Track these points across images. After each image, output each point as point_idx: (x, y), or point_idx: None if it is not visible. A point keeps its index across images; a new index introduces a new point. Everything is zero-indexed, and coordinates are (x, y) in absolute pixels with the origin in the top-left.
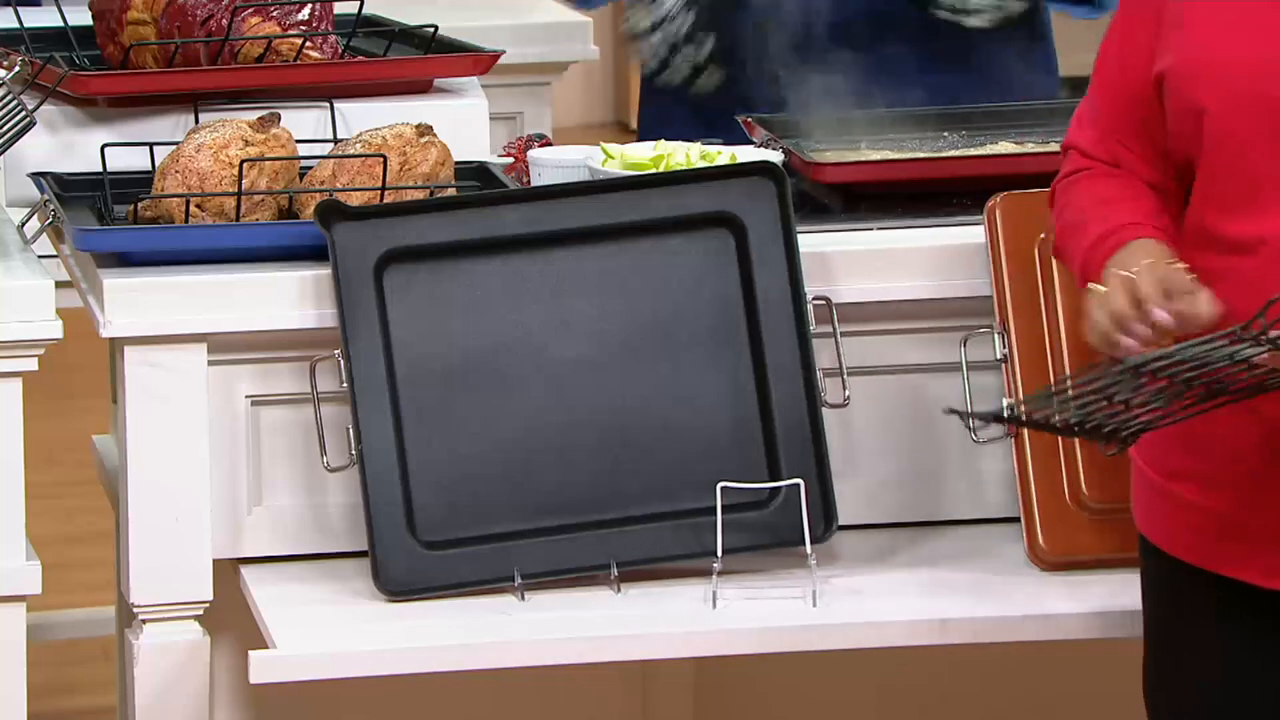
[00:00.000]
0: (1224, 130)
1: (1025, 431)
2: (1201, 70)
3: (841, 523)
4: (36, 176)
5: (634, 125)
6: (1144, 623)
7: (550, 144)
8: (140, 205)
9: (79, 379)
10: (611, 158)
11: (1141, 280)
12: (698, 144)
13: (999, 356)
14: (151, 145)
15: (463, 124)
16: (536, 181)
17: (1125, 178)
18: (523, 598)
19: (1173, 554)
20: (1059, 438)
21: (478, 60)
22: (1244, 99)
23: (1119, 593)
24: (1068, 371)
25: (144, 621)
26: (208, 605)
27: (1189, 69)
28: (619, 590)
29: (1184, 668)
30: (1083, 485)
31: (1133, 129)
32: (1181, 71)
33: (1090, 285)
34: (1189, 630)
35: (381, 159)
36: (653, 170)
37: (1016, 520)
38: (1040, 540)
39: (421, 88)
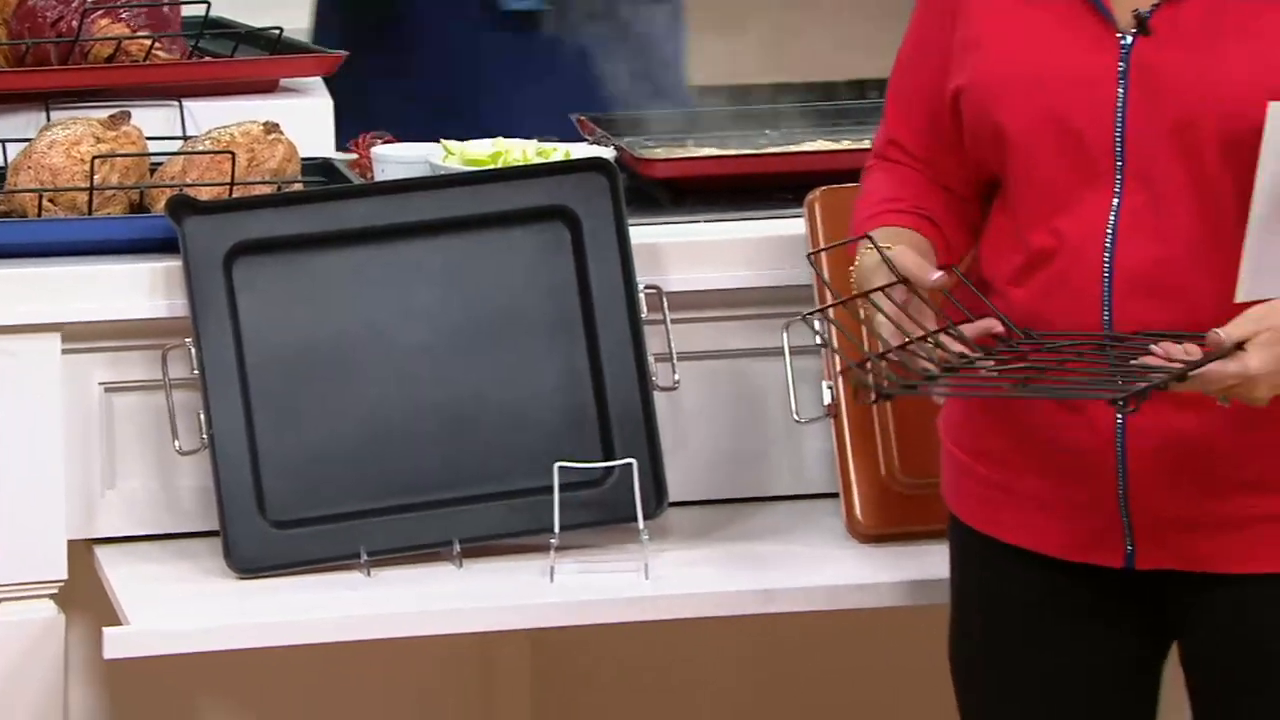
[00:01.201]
0: (1019, 145)
1: (844, 412)
2: (996, 88)
3: (672, 499)
4: None
5: None
6: (951, 591)
7: (392, 141)
8: None
9: None
10: (451, 154)
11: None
12: (534, 141)
13: (819, 342)
14: (4, 142)
15: (308, 122)
16: (379, 177)
17: (898, 169)
18: (368, 574)
19: (977, 528)
20: (875, 418)
21: (321, 61)
22: (1034, 116)
23: (930, 563)
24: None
25: (0, 600)
26: (62, 584)
27: (984, 87)
28: (461, 566)
29: (987, 634)
30: (897, 463)
31: (928, 139)
32: (978, 89)
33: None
34: (991, 599)
35: (230, 155)
36: (491, 166)
37: (836, 496)
38: (858, 514)
39: (268, 87)
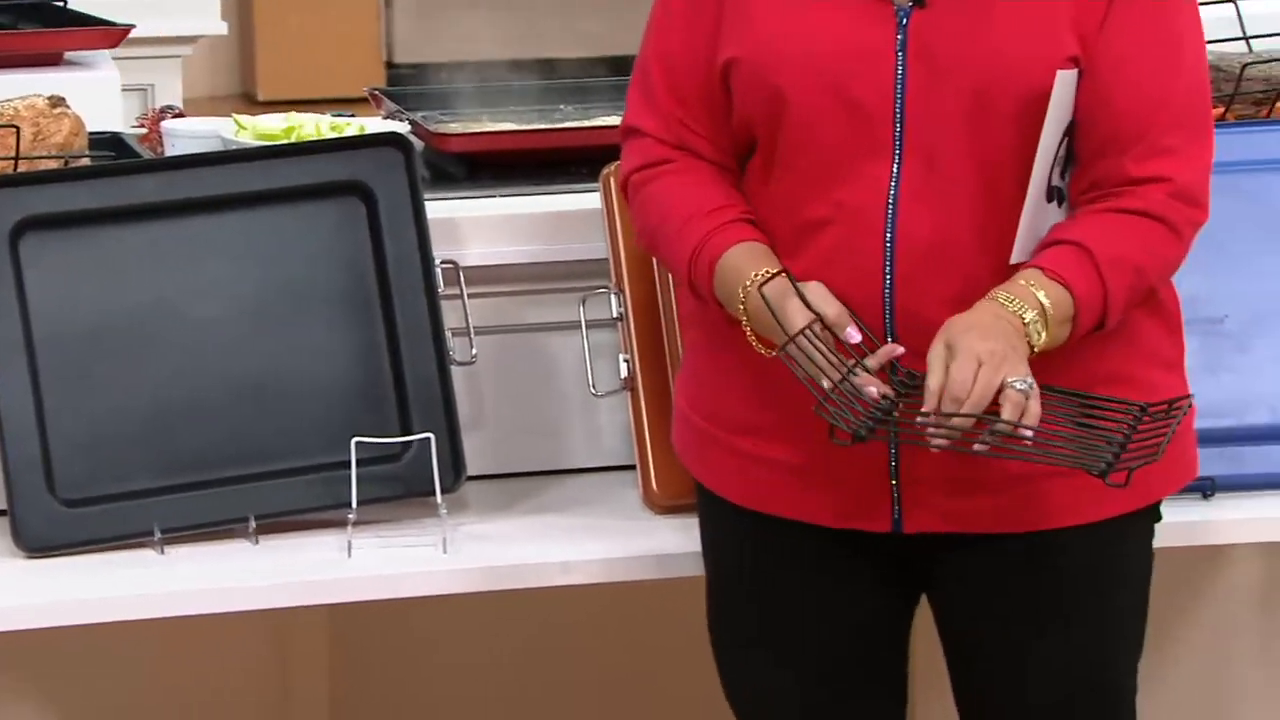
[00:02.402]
0: (799, 117)
1: (640, 385)
2: (774, 61)
3: (470, 473)
4: None
5: (261, 97)
6: (706, 561)
7: (183, 115)
8: None
9: None
10: (243, 128)
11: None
12: (328, 115)
13: (615, 315)
14: None
15: (95, 95)
16: (170, 152)
17: (692, 171)
18: (162, 552)
19: (734, 500)
20: (671, 390)
21: (108, 33)
22: (814, 88)
23: None
24: (678, 329)
25: None
26: None
27: (761, 60)
28: (256, 543)
29: (755, 607)
30: None
31: (700, 113)
32: (754, 62)
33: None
34: (751, 566)
35: (14, 129)
36: (284, 141)
37: (632, 468)
38: (654, 486)
39: (53, 60)
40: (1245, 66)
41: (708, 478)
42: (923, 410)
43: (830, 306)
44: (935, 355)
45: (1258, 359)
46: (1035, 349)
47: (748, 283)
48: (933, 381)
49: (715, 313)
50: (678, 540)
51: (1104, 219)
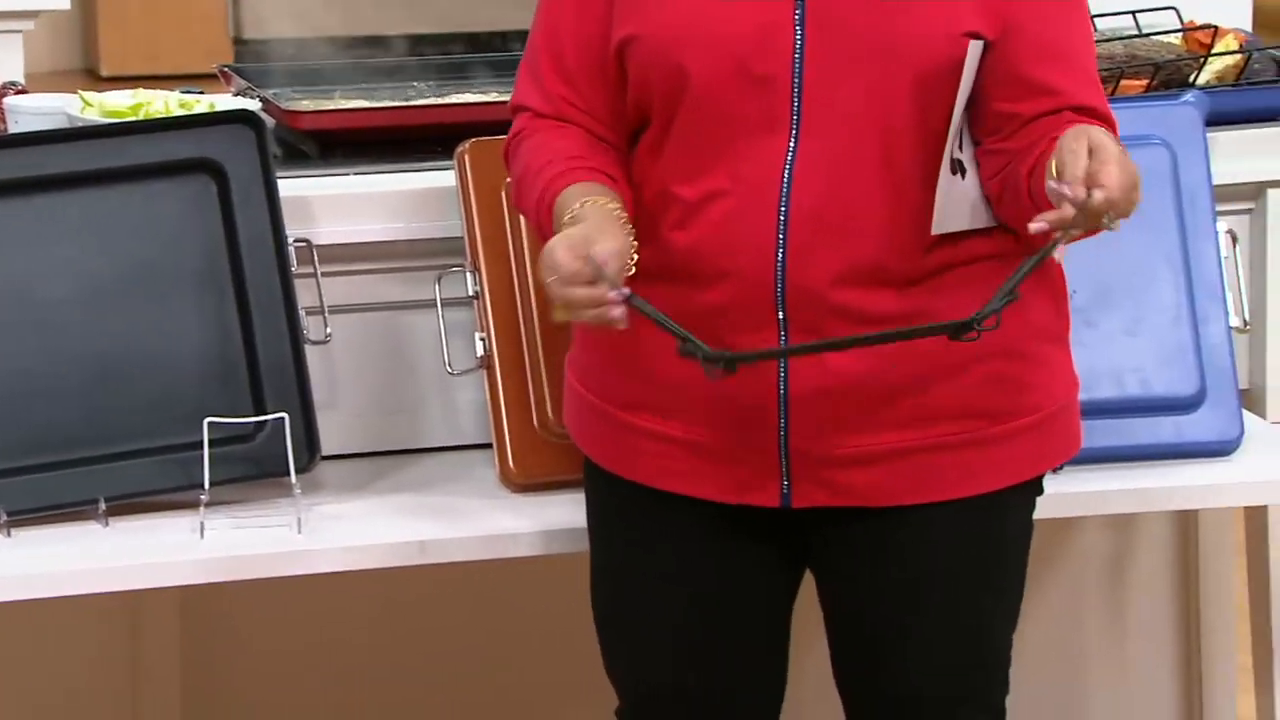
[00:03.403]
0: (699, 92)
1: (496, 363)
2: (674, 37)
3: (325, 453)
4: None
5: (104, 73)
6: (591, 536)
7: (25, 92)
8: None
9: None
10: (90, 105)
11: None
12: (177, 92)
13: (471, 293)
14: None
15: None
16: (14, 129)
17: (568, 129)
18: (9, 534)
19: (622, 475)
20: (527, 369)
21: None
22: (715, 63)
23: (583, 511)
24: (535, 306)
25: None
26: None
27: (662, 36)
28: (107, 524)
29: (644, 584)
30: (549, 412)
31: (587, 92)
32: (654, 38)
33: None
34: (650, 551)
35: None
36: (132, 118)
37: (489, 446)
38: (511, 464)
39: None
40: None
41: (598, 454)
42: (1062, 189)
43: (604, 246)
44: (1078, 150)
45: (1105, 333)
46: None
47: (568, 215)
48: (1078, 169)
49: None
50: (534, 519)
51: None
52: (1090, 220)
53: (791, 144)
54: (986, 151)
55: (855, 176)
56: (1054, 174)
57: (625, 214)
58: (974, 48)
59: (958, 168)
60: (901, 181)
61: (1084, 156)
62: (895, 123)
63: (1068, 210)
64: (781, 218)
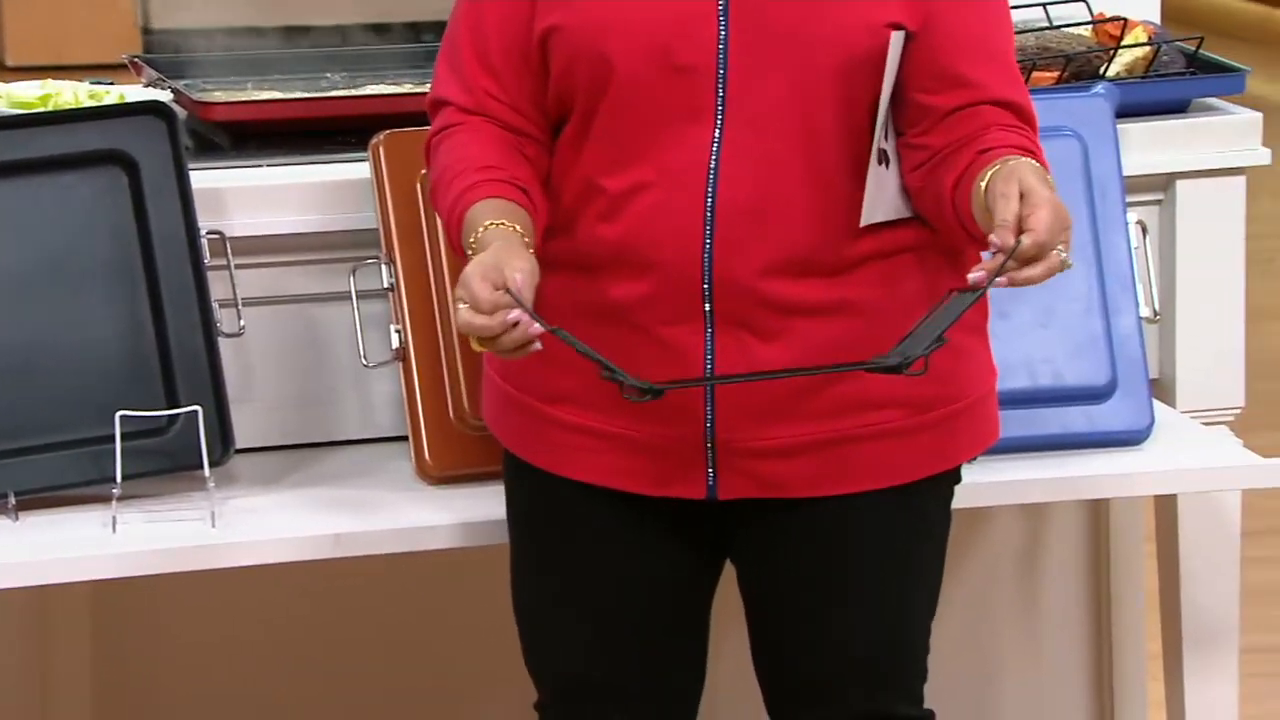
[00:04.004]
0: (624, 83)
1: (412, 355)
2: (599, 27)
3: (239, 446)
4: None
5: (9, 63)
6: (511, 528)
7: None
8: None
9: None
10: None
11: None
12: (86, 83)
13: (386, 285)
14: None
15: None
16: None
17: (487, 129)
18: None
19: (545, 468)
20: (443, 362)
21: None
22: (640, 54)
23: (499, 504)
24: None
25: None
26: None
27: (586, 26)
28: (17, 519)
29: (564, 575)
30: (466, 405)
31: (510, 84)
32: (579, 28)
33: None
34: (571, 544)
35: None
36: (41, 109)
37: (405, 439)
38: (427, 457)
39: None
40: None
41: (518, 446)
42: (991, 239)
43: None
44: (1009, 194)
45: (1017, 324)
46: None
47: (473, 237)
48: (1008, 214)
49: None
50: (451, 511)
51: (1000, 129)
52: (1021, 263)
53: (717, 135)
54: (907, 144)
55: (781, 167)
56: (981, 202)
57: (530, 238)
58: (895, 39)
59: (883, 158)
60: (827, 172)
61: (1015, 201)
62: (818, 113)
63: (999, 260)
64: (708, 209)
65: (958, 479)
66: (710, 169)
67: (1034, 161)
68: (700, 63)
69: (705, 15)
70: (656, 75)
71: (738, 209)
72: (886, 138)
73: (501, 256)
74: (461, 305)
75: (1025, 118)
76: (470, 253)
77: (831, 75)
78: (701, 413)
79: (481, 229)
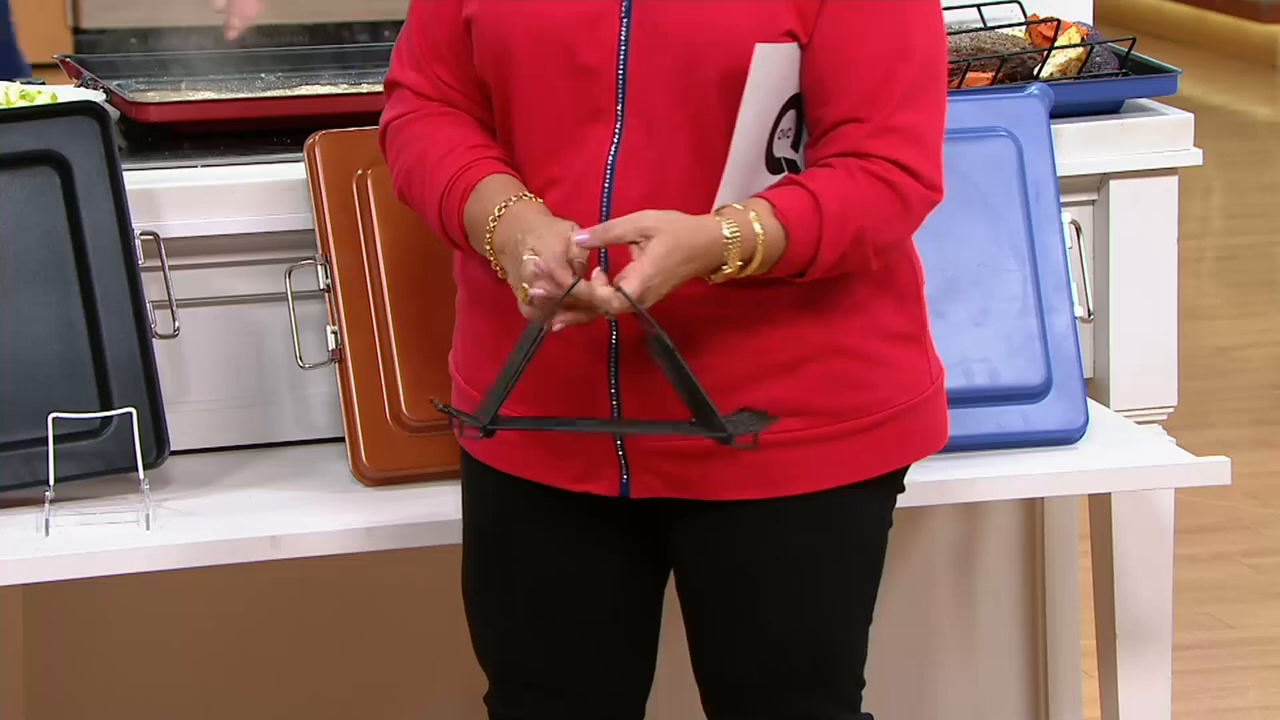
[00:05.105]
0: (527, 81)
1: (348, 356)
2: (504, 22)
3: (174, 448)
4: None
5: None
6: (464, 529)
7: None
8: None
9: None
10: None
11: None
12: (17, 83)
13: (322, 286)
14: None
15: None
16: None
17: (454, 115)
18: None
19: (485, 461)
20: (380, 362)
21: None
22: (541, 52)
23: (437, 504)
24: (387, 299)
25: None
26: None
27: (493, 20)
28: None
29: (499, 566)
30: (403, 405)
31: (456, 70)
32: (490, 17)
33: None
34: (502, 532)
35: None
36: None
37: (342, 440)
38: (364, 458)
39: None
40: None
41: (466, 441)
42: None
43: (550, 247)
44: (624, 233)
45: (952, 325)
46: (722, 271)
47: (495, 213)
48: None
49: (473, 269)
50: (388, 512)
51: (844, 177)
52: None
53: (616, 136)
54: (810, 155)
55: (672, 170)
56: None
57: (542, 200)
58: (763, 50)
59: (782, 166)
60: (717, 175)
61: (627, 239)
62: (707, 118)
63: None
64: (603, 207)
65: (900, 487)
66: (608, 169)
67: (727, 222)
68: (601, 64)
69: (607, 16)
70: (559, 74)
71: (630, 209)
72: (794, 146)
73: (549, 229)
74: (538, 282)
75: (902, 136)
76: (493, 221)
77: (717, 79)
78: (608, 407)
79: (511, 199)
